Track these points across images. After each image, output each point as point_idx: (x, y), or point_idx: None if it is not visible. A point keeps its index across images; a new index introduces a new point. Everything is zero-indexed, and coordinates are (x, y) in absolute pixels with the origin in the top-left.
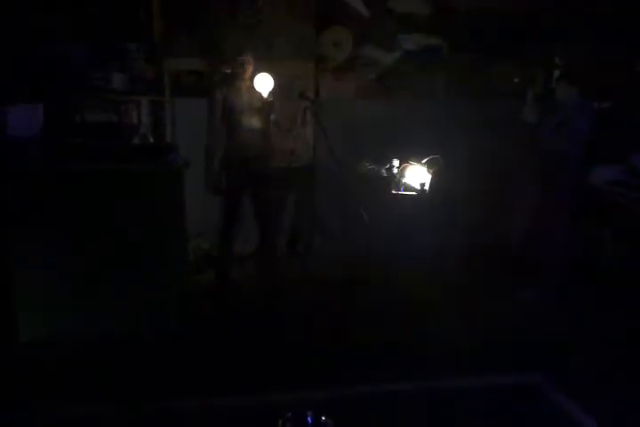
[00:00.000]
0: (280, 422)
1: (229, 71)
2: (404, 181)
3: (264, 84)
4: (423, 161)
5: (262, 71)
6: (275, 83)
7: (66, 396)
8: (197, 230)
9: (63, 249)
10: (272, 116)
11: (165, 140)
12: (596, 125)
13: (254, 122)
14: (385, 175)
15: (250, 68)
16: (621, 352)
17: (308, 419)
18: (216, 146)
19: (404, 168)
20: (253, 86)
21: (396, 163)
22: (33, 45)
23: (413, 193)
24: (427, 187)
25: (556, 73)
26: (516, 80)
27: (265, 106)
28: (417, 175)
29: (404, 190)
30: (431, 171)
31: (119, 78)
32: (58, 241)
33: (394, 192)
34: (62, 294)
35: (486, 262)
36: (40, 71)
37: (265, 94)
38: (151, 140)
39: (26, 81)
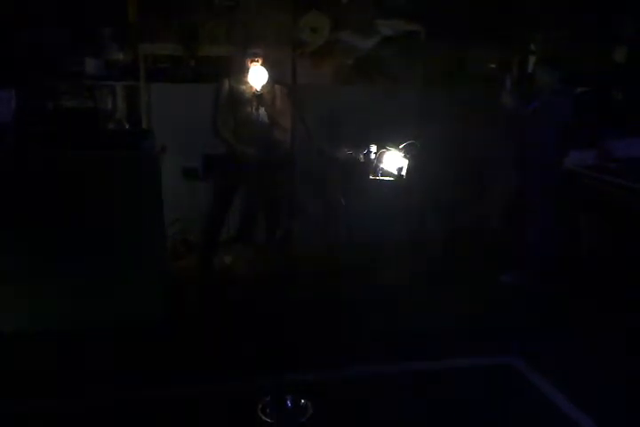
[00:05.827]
0: (260, 406)
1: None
2: (381, 166)
3: (258, 77)
4: (400, 146)
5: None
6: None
7: (43, 387)
8: (174, 216)
9: (40, 236)
10: (261, 109)
11: (141, 125)
12: (573, 110)
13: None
14: (363, 161)
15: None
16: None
17: (288, 403)
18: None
19: (382, 154)
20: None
21: (373, 148)
22: (3, 30)
23: (391, 178)
24: (404, 172)
25: (533, 58)
26: (495, 66)
27: (255, 98)
28: (394, 160)
29: (382, 175)
30: (408, 156)
31: (93, 63)
32: (35, 228)
33: (372, 177)
34: (38, 282)
35: (468, 247)
36: (11, 56)
37: (258, 87)
38: (127, 126)
39: None
